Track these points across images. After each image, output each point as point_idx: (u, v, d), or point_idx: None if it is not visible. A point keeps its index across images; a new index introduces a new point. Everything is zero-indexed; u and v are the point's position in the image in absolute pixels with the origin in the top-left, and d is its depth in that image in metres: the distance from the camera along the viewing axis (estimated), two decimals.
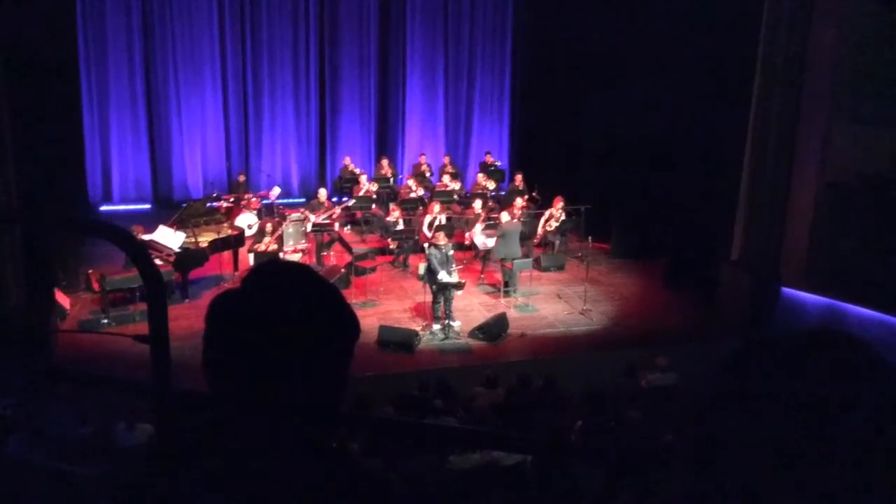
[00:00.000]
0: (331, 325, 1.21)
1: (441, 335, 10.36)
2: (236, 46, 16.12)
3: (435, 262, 10.50)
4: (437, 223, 12.63)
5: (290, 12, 16.24)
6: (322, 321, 1.20)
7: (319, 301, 1.22)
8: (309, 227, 12.67)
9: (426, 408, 7.62)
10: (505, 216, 12.26)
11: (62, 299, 10.53)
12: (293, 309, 1.18)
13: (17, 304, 8.62)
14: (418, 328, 10.41)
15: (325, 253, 12.82)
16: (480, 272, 12.44)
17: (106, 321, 10.23)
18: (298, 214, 13.02)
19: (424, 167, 15.99)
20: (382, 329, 10.07)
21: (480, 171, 15.69)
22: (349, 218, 14.30)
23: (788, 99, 10.62)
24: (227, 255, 11.92)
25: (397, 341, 9.99)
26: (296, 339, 1.17)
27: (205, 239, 11.67)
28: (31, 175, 9.57)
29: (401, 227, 13.10)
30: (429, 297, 10.75)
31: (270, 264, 1.28)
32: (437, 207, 13.00)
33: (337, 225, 13.27)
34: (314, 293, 1.22)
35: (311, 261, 12.36)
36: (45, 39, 10.62)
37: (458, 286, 10.69)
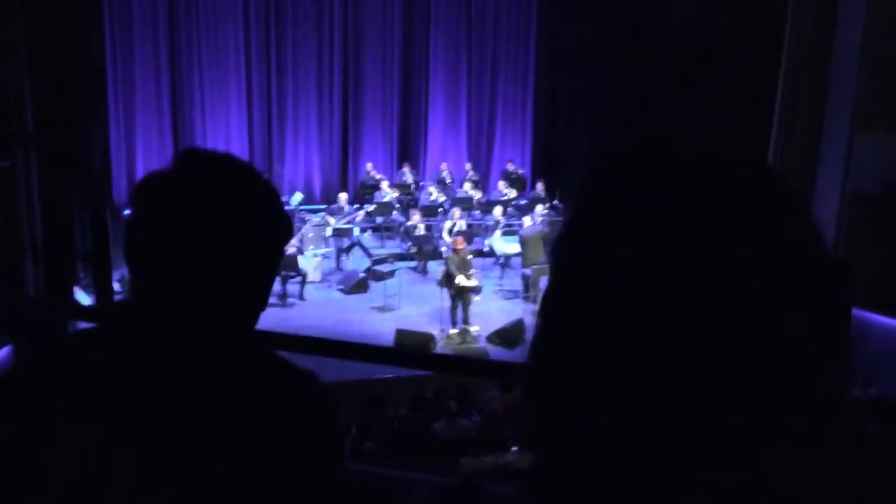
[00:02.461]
0: (265, 217, 1.14)
1: (458, 339, 10.34)
2: (261, 55, 16.27)
3: (453, 267, 10.50)
4: (456, 229, 12.64)
5: (314, 21, 16.38)
6: (257, 212, 1.13)
7: (253, 193, 1.15)
8: (329, 232, 12.72)
9: (441, 410, 7.61)
10: (526, 222, 12.24)
11: (82, 298, 10.64)
12: (227, 197, 1.11)
13: (37, 300, 8.72)
14: (435, 332, 10.41)
15: (344, 257, 12.86)
16: (500, 278, 12.42)
17: None
18: (319, 219, 13.09)
19: (446, 174, 16.01)
20: (399, 332, 10.08)
21: (502, 179, 15.69)
22: (370, 223, 14.34)
23: (811, 109, 10.52)
24: None
25: (413, 345, 9.99)
26: (228, 228, 1.09)
27: None
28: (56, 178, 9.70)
29: (421, 232, 13.12)
30: (447, 302, 10.75)
31: (200, 151, 1.18)
32: (457, 213, 13.01)
33: (357, 230, 13.31)
34: (248, 184, 1.15)
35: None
36: (73, 48, 10.77)
37: (476, 291, 10.68)
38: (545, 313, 0.61)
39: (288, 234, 1.19)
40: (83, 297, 10.64)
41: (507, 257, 12.34)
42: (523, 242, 11.78)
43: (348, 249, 13.06)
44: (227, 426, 1.07)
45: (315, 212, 14.52)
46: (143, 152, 15.87)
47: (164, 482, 1.04)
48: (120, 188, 15.74)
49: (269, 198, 1.17)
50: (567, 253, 0.60)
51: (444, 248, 11.94)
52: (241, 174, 1.16)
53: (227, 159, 1.17)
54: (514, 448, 6.74)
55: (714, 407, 0.54)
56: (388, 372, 9.05)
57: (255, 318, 1.20)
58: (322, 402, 1.17)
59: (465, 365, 3.58)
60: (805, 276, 0.56)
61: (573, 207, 0.61)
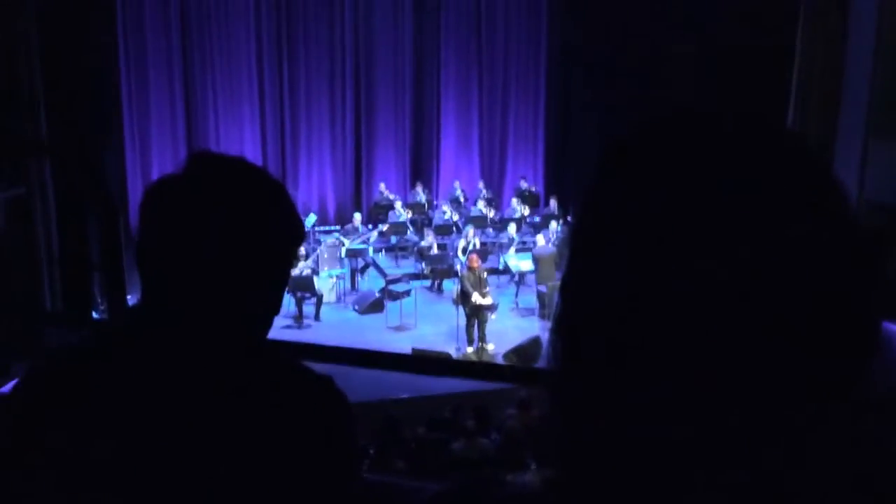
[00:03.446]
0: (275, 220, 1.13)
1: (475, 358, 10.29)
2: (273, 77, 16.40)
3: (468, 285, 10.48)
4: (470, 247, 12.63)
5: (325, 42, 16.50)
6: (268, 216, 1.12)
7: (266, 194, 1.13)
8: (343, 253, 12.74)
9: (458, 429, 7.56)
10: (539, 241, 12.22)
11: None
12: (238, 199, 1.10)
13: (54, 310, 8.81)
14: (451, 351, 10.37)
15: (359, 277, 12.87)
16: (515, 296, 12.38)
17: None
18: (333, 239, 13.12)
19: (459, 193, 16.03)
20: (415, 352, 10.04)
21: (515, 196, 15.68)
22: (384, 243, 14.35)
23: (824, 117, 10.48)
24: None
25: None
26: (239, 232, 1.08)
27: None
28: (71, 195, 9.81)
29: (435, 252, 13.11)
30: (462, 321, 10.72)
31: (212, 154, 1.17)
32: (471, 232, 13.01)
33: (371, 250, 13.33)
34: (260, 186, 1.14)
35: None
36: (90, 66, 10.91)
37: (492, 309, 10.65)
38: (564, 297, 0.59)
39: (300, 236, 1.18)
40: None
41: (522, 274, 12.31)
42: (537, 260, 11.75)
43: (363, 270, 13.06)
44: (241, 429, 1.05)
45: (329, 232, 14.54)
46: (159, 174, 15.94)
47: (176, 487, 1.02)
48: (134, 212, 15.84)
49: (281, 199, 1.16)
50: (584, 240, 0.58)
51: (458, 267, 11.93)
52: (252, 176, 1.15)
53: (238, 162, 1.16)
54: (534, 467, 6.68)
55: (720, 401, 0.52)
56: (404, 392, 9.02)
57: (270, 321, 1.18)
58: (339, 406, 1.15)
59: (486, 370, 3.56)
60: (845, 258, 0.54)
61: (588, 192, 0.59)
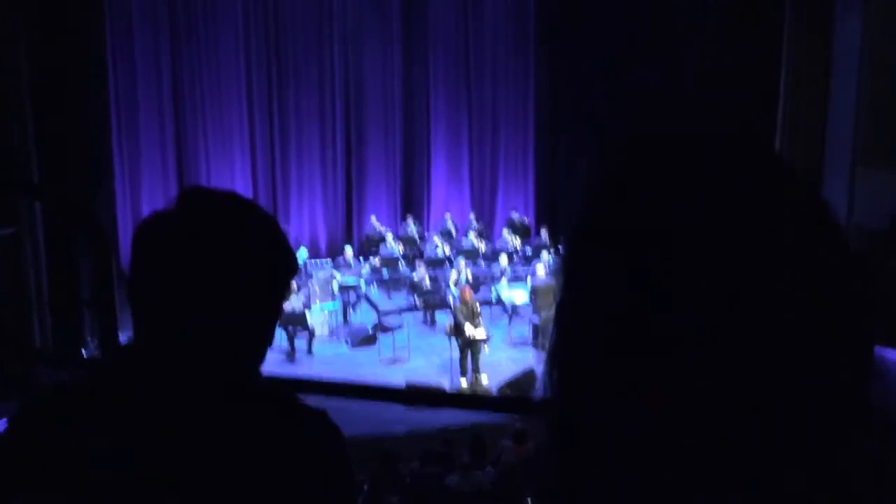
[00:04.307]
0: (268, 254, 1.12)
1: (469, 391, 10.24)
2: (264, 113, 16.48)
3: (461, 318, 10.47)
4: (462, 279, 12.62)
5: (316, 76, 16.62)
6: (261, 249, 1.11)
7: (258, 228, 1.13)
8: (336, 286, 12.72)
9: (453, 463, 7.50)
10: (539, 270, 12.23)
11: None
12: (230, 234, 1.09)
13: (43, 349, 8.75)
14: (445, 384, 10.31)
15: (351, 311, 12.83)
16: (508, 327, 12.35)
17: None
18: (325, 273, 13.10)
19: (450, 225, 16.06)
20: (409, 386, 9.98)
21: (506, 228, 15.72)
22: (376, 276, 14.33)
23: (811, 145, 10.58)
24: None
25: None
26: (231, 266, 1.07)
27: None
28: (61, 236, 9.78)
29: (427, 284, 13.10)
30: (456, 353, 10.68)
31: (203, 189, 1.17)
32: (462, 264, 13.02)
33: (363, 283, 13.30)
34: (252, 220, 1.13)
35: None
36: (80, 107, 10.94)
37: (485, 341, 10.62)
38: (559, 324, 0.59)
39: (293, 269, 1.17)
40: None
41: (515, 306, 12.30)
42: (534, 291, 11.75)
43: (355, 303, 13.03)
44: (236, 465, 1.04)
45: (321, 266, 14.54)
46: (150, 212, 15.94)
47: None
48: (125, 252, 15.77)
49: (274, 233, 1.15)
50: (579, 267, 0.58)
51: (451, 299, 11.92)
52: (244, 210, 1.15)
53: (229, 196, 1.16)
54: (530, 501, 6.62)
55: (724, 426, 0.51)
56: (399, 427, 8.95)
57: (263, 355, 1.17)
58: (334, 441, 1.14)
59: (481, 402, 3.54)
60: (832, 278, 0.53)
61: (580, 219, 0.58)
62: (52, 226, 9.09)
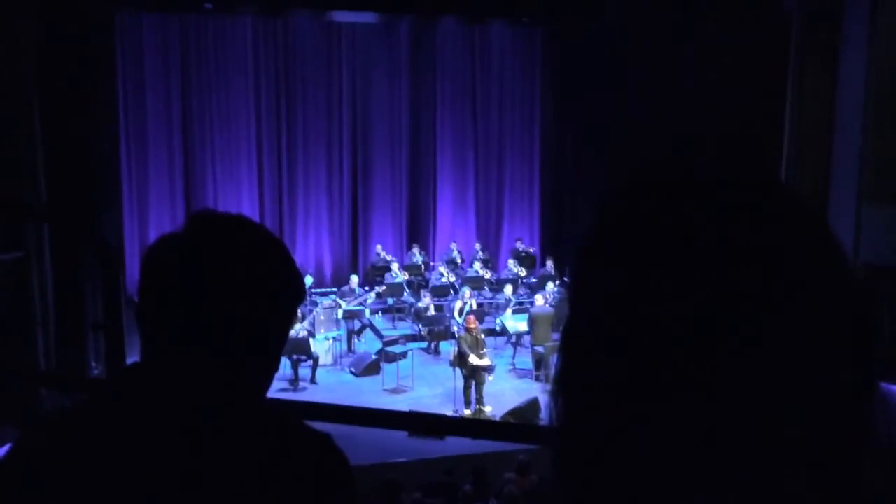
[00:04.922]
0: (276, 277, 1.12)
1: None
2: (272, 142, 16.58)
3: (465, 347, 10.45)
4: (467, 308, 12.62)
5: (324, 106, 16.74)
6: (268, 272, 1.12)
7: (267, 251, 1.14)
8: (340, 314, 12.72)
9: (456, 494, 7.45)
10: (538, 300, 12.22)
11: None
12: (240, 257, 1.10)
13: (48, 371, 8.75)
14: (449, 413, 10.27)
15: (355, 339, 12.82)
16: (512, 357, 12.33)
17: None
18: (330, 301, 13.10)
19: (456, 254, 16.08)
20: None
21: (512, 258, 15.74)
22: (381, 305, 14.33)
23: (816, 182, 10.60)
24: None
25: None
26: (240, 289, 1.07)
27: None
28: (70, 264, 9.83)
29: (432, 313, 13.09)
30: (460, 383, 10.64)
31: (213, 212, 1.16)
32: (467, 293, 13.02)
33: (368, 311, 13.30)
34: (262, 243, 1.14)
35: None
36: (89, 134, 11.04)
37: (489, 370, 10.59)
38: (567, 350, 0.58)
39: (302, 293, 1.18)
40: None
41: (520, 335, 12.28)
42: (533, 321, 11.73)
43: (359, 332, 13.02)
44: (240, 488, 1.04)
45: (326, 294, 14.54)
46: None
47: None
48: (133, 278, 15.81)
49: (282, 256, 1.16)
50: (586, 294, 0.57)
51: (455, 328, 11.91)
52: (253, 233, 1.15)
53: (239, 219, 1.17)
54: None
55: (734, 456, 0.50)
56: (401, 456, 8.91)
57: (270, 378, 1.18)
58: (338, 464, 1.14)
59: (484, 428, 3.52)
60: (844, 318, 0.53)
61: (587, 246, 0.59)
62: (59, 249, 9.13)
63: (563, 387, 0.58)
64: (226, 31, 15.90)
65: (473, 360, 10.36)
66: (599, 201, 0.60)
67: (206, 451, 1.04)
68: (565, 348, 0.59)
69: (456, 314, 12.63)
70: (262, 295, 1.11)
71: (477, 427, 3.54)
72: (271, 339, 1.15)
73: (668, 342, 0.51)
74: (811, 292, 0.52)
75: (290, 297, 1.16)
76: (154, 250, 1.12)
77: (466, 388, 10.49)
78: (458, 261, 15.93)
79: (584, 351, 0.57)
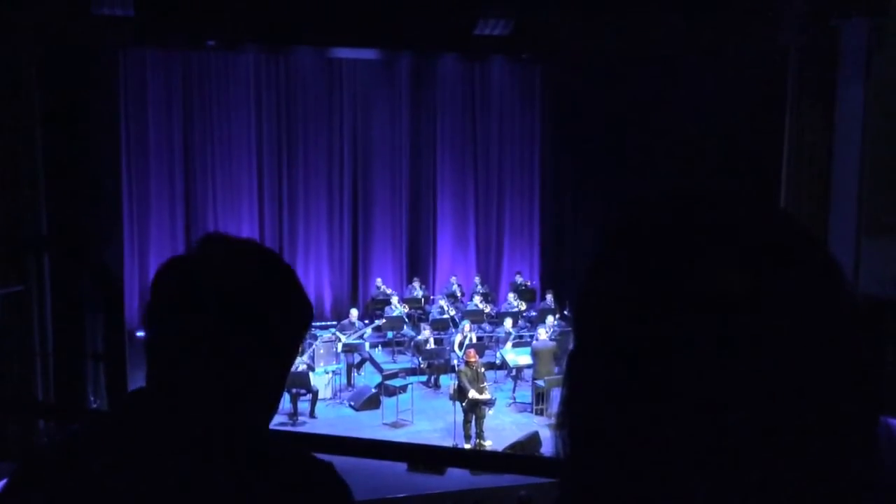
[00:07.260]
0: (285, 303, 1.12)
1: None
2: (273, 176, 16.66)
3: (465, 381, 10.40)
4: (467, 342, 12.58)
5: (325, 141, 16.85)
6: (277, 298, 1.11)
7: (277, 275, 1.13)
8: (340, 348, 12.68)
9: None
10: (541, 334, 12.20)
11: None
12: (248, 281, 1.09)
13: (46, 402, 8.71)
14: (449, 447, 10.19)
15: (355, 373, 12.77)
16: (512, 391, 12.26)
17: None
18: (330, 335, 13.07)
19: (456, 288, 16.08)
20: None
21: (511, 291, 15.73)
22: (380, 338, 14.29)
23: (814, 215, 10.63)
24: None
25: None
26: (249, 313, 1.06)
27: None
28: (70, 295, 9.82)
29: (432, 346, 13.06)
30: (460, 416, 10.58)
31: (223, 235, 1.16)
32: (467, 327, 12.99)
33: (368, 345, 13.27)
34: (271, 267, 1.14)
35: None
36: (90, 167, 11.09)
37: (490, 404, 10.54)
38: (572, 378, 0.58)
39: (310, 318, 1.17)
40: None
41: (520, 369, 12.23)
42: (535, 354, 11.70)
43: (359, 365, 12.97)
44: None
45: (325, 328, 14.52)
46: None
47: None
48: (132, 309, 15.78)
49: (292, 281, 1.15)
50: (589, 322, 0.58)
51: (455, 362, 11.87)
52: (263, 258, 1.15)
53: (248, 243, 1.16)
54: None
55: (742, 479, 0.51)
56: (401, 491, 8.83)
57: (275, 406, 1.17)
58: (340, 494, 1.13)
59: (486, 460, 3.49)
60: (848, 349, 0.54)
61: (590, 277, 0.59)
62: (60, 282, 9.13)
63: (567, 414, 0.58)
64: (228, 68, 16.06)
65: (473, 393, 10.31)
66: (611, 219, 0.61)
67: (209, 480, 1.03)
68: (570, 372, 0.59)
69: (456, 348, 12.60)
70: (272, 316, 1.10)
71: (479, 459, 3.52)
72: (279, 361, 1.14)
73: (675, 357, 0.52)
74: (812, 308, 0.53)
75: (299, 321, 1.15)
76: (164, 271, 1.12)
77: (466, 421, 10.43)
78: (458, 294, 15.92)
79: (589, 373, 0.57)
